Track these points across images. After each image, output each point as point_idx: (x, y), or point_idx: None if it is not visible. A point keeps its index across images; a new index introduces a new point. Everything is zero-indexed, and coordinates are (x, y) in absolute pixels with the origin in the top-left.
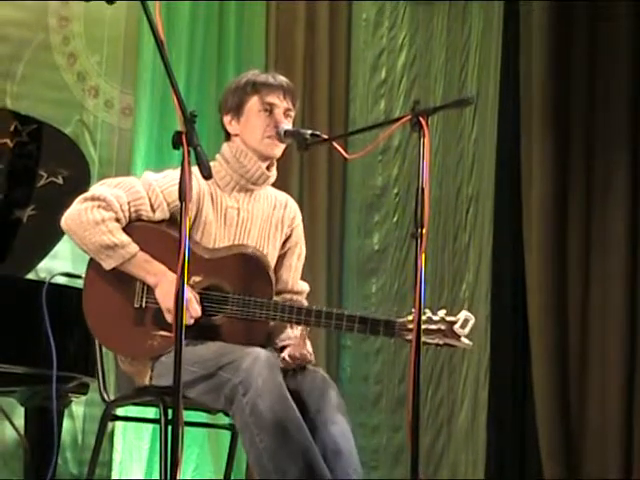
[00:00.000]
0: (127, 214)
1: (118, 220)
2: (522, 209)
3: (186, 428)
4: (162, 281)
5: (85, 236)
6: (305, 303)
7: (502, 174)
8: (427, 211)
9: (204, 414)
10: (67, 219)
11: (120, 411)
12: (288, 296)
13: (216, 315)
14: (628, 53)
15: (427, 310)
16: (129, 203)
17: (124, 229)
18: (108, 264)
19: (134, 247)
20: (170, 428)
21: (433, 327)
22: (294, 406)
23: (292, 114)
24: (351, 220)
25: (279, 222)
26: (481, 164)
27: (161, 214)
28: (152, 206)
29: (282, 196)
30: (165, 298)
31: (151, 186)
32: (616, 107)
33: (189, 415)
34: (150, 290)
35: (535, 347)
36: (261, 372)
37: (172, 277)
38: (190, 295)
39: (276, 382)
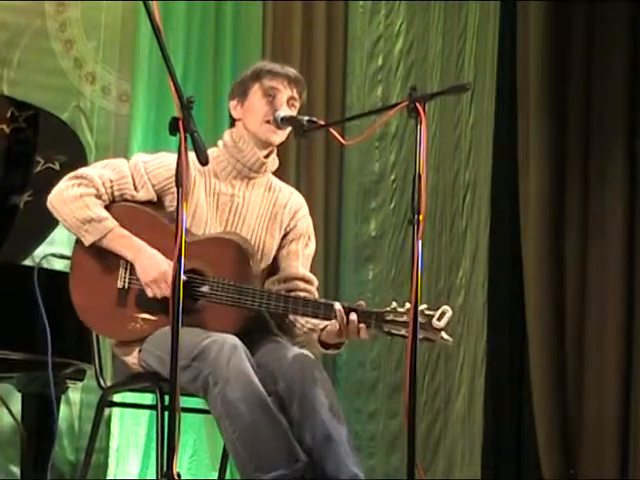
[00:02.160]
0: (109, 191)
1: (99, 197)
2: (519, 196)
3: (183, 414)
4: (140, 256)
5: (66, 212)
6: (310, 294)
7: (499, 160)
8: (424, 198)
9: (201, 400)
10: (51, 197)
11: (117, 397)
12: (302, 284)
13: (196, 299)
14: (625, 36)
15: (394, 302)
16: (112, 181)
17: (107, 208)
18: (87, 240)
19: (112, 222)
20: (167, 414)
21: (400, 319)
22: (263, 392)
23: (297, 104)
24: (348, 206)
25: (279, 214)
26: (478, 150)
27: (146, 194)
28: (135, 185)
29: (287, 188)
30: (144, 273)
31: (137, 166)
32: (613, 94)
33: (186, 401)
34: (133, 270)
35: (532, 333)
36: (228, 360)
37: (150, 252)
38: (166, 268)
39: (243, 369)
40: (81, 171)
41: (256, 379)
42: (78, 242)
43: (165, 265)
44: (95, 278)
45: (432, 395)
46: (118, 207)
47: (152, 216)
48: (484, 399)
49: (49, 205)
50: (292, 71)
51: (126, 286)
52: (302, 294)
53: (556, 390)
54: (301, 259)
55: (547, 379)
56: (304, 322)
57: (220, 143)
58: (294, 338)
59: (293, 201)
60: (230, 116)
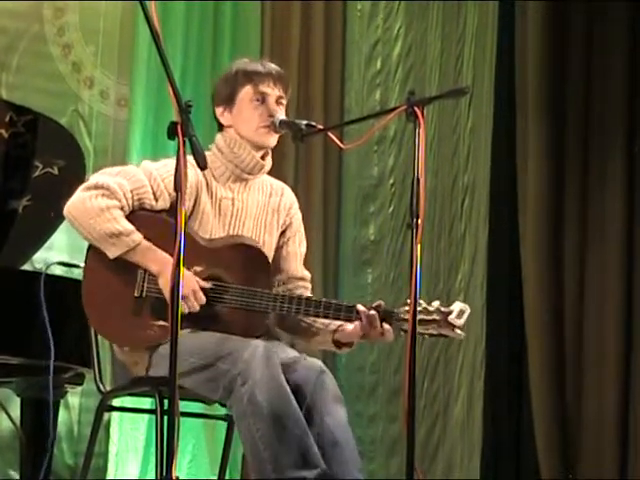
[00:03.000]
0: (130, 202)
1: (122, 208)
2: (518, 199)
3: (182, 419)
4: (166, 269)
5: (90, 224)
6: (308, 291)
7: (498, 164)
8: (423, 201)
9: (200, 405)
10: (70, 207)
11: (116, 402)
12: (301, 283)
13: (216, 305)
14: (624, 38)
15: (422, 301)
16: (132, 191)
17: (127, 217)
18: (112, 252)
19: (138, 235)
20: (166, 419)
21: (429, 318)
22: (292, 397)
23: (284, 101)
24: (347, 210)
25: (275, 211)
26: (477, 154)
27: (163, 203)
28: (155, 195)
29: (278, 185)
30: (169, 286)
31: (152, 175)
32: (611, 96)
33: (185, 406)
34: (151, 279)
35: (531, 337)
36: (260, 363)
37: None
38: (195, 283)
39: (274, 373)
40: (101, 180)
41: (287, 386)
42: (92, 252)
43: (193, 281)
44: (110, 287)
45: (431, 399)
46: (138, 216)
47: (168, 224)
48: (483, 402)
49: (67, 215)
50: (275, 68)
51: (144, 295)
52: (300, 292)
53: (555, 393)
54: (299, 259)
55: (546, 382)
56: (322, 323)
57: (213, 147)
58: (311, 338)
59: (287, 197)
60: (217, 121)
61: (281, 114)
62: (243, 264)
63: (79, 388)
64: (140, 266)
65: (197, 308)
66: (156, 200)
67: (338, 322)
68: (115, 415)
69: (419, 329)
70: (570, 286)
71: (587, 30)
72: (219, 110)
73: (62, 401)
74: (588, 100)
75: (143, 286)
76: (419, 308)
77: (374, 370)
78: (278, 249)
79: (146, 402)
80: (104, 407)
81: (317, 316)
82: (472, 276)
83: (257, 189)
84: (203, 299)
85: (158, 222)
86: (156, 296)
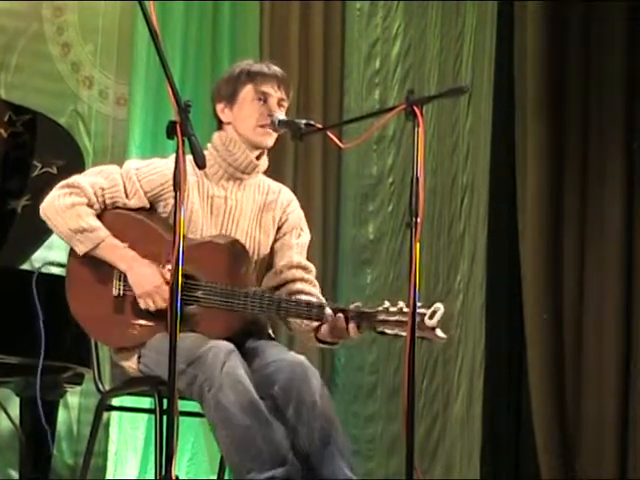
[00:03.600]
0: (101, 199)
1: (91, 206)
2: (517, 198)
3: (181, 417)
4: (133, 267)
5: (58, 221)
6: (309, 282)
7: (497, 163)
8: (422, 200)
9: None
10: (43, 205)
11: (115, 401)
12: (298, 272)
13: (190, 304)
14: (622, 34)
15: (386, 302)
16: (104, 189)
17: (100, 215)
18: (80, 249)
19: (104, 232)
20: (165, 418)
21: (392, 318)
22: (256, 397)
23: (285, 104)
24: (346, 209)
25: (272, 210)
26: (476, 153)
27: (138, 201)
28: (127, 193)
29: (276, 185)
30: (137, 284)
31: (128, 173)
32: (610, 95)
33: (184, 405)
34: (127, 279)
35: (530, 336)
36: (222, 366)
37: (142, 263)
38: (160, 279)
39: (237, 374)
40: (73, 179)
41: (249, 384)
42: (72, 251)
43: (158, 278)
44: (91, 286)
45: (431, 398)
46: (110, 214)
47: (144, 223)
48: (482, 402)
49: (42, 214)
50: (279, 71)
51: (121, 294)
52: (300, 284)
53: (555, 392)
54: (295, 248)
55: (545, 381)
56: (299, 321)
57: (210, 146)
58: (295, 332)
59: (283, 197)
60: (217, 118)
61: (279, 114)
62: (216, 262)
63: (78, 388)
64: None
65: (161, 305)
66: (128, 199)
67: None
68: (114, 415)
69: (395, 330)
70: (569, 285)
71: (586, 29)
72: (220, 107)
73: (62, 401)
74: (587, 99)
75: (120, 285)
76: (380, 308)
77: (373, 370)
78: (273, 244)
79: (145, 401)
80: (103, 407)
81: (288, 316)
82: (471, 275)
83: (253, 189)
84: (166, 296)
85: (132, 221)
86: (134, 295)
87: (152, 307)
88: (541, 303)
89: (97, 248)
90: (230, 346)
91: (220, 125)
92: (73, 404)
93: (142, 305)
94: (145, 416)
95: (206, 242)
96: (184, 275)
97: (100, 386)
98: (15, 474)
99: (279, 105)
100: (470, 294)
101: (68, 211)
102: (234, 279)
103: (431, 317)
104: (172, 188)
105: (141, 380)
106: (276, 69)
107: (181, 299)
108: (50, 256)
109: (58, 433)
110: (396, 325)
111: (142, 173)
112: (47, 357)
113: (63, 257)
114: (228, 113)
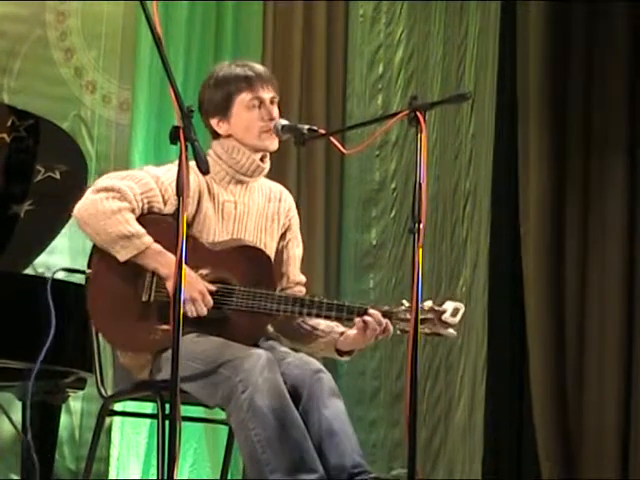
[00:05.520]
0: (140, 205)
1: (132, 210)
2: (519, 204)
3: (184, 423)
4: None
5: (100, 226)
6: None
7: (499, 169)
8: (424, 206)
9: (202, 409)
10: (80, 209)
11: (118, 406)
12: (296, 288)
13: (222, 308)
14: (626, 42)
15: (405, 301)
16: (141, 194)
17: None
18: (122, 255)
19: (149, 238)
20: (168, 423)
21: (422, 317)
22: (292, 404)
23: (277, 100)
24: (349, 215)
25: (275, 214)
26: (478, 159)
27: (171, 207)
28: (164, 199)
29: (276, 187)
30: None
31: (159, 179)
32: (613, 100)
33: (187, 410)
34: (159, 284)
35: (532, 342)
36: (262, 372)
37: (187, 271)
38: (202, 285)
39: (276, 382)
40: (111, 183)
41: (287, 395)
42: (97, 256)
43: (201, 284)
44: (116, 292)
45: (433, 404)
46: (147, 220)
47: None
48: (485, 407)
49: (77, 217)
50: (261, 69)
51: (151, 299)
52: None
53: (557, 398)
54: (298, 264)
55: (548, 387)
56: (325, 327)
57: (211, 153)
58: (311, 343)
59: (285, 198)
60: (212, 131)
61: (282, 119)
62: (247, 266)
63: (81, 392)
64: (148, 270)
65: (205, 312)
66: (165, 204)
67: (341, 328)
68: (117, 420)
69: (408, 327)
70: (572, 291)
71: (589, 33)
72: (214, 121)
73: (64, 406)
74: (590, 104)
75: (151, 290)
76: (404, 308)
77: (375, 375)
78: (278, 253)
79: (148, 407)
80: (106, 411)
81: (319, 316)
82: (474, 281)
83: (256, 192)
84: (211, 302)
85: (166, 226)
86: (163, 300)
87: (194, 313)
88: (543, 309)
89: (142, 254)
90: (271, 356)
91: (216, 136)
92: (75, 409)
93: (188, 312)
94: (147, 421)
95: (238, 247)
96: (218, 280)
97: (102, 391)
98: (17, 479)
99: (273, 103)
100: (472, 300)
101: (114, 216)
102: (265, 283)
103: (454, 314)
104: (193, 194)
105: (144, 385)
106: (259, 68)
107: (215, 304)
108: (52, 261)
109: (60, 438)
110: (424, 323)
111: (169, 178)
112: (50, 362)
113: (65, 262)
114: (225, 126)
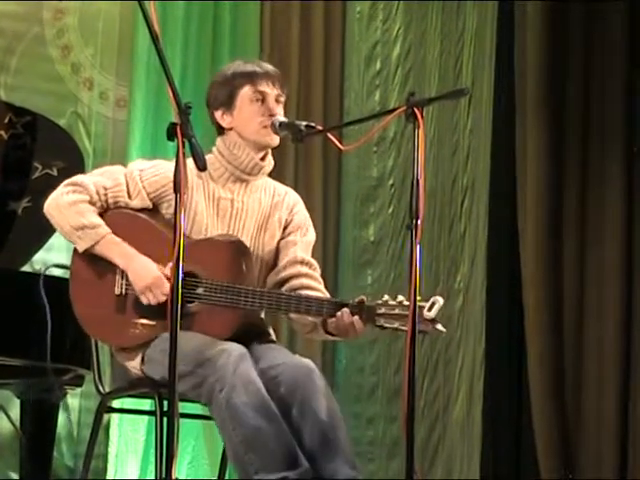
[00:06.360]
0: (103, 198)
1: (93, 204)
2: (517, 200)
3: (182, 420)
4: (132, 263)
5: (60, 218)
6: (313, 278)
7: (497, 165)
8: (422, 202)
9: (200, 406)
10: (47, 204)
11: (116, 403)
12: (303, 269)
13: (192, 302)
14: (623, 40)
15: (386, 295)
16: (106, 189)
17: (102, 215)
18: (80, 246)
19: (104, 229)
20: (166, 420)
21: (392, 312)
22: (269, 400)
23: (283, 99)
24: (347, 211)
25: (278, 211)
26: (476, 155)
27: (140, 202)
28: (129, 193)
29: (282, 188)
30: (136, 279)
31: (132, 174)
32: (611, 96)
33: (184, 407)
34: (128, 277)
35: (530, 338)
36: (235, 368)
37: (142, 259)
38: (157, 271)
39: (249, 377)
40: (76, 178)
41: (262, 386)
42: (75, 251)
43: (157, 271)
44: (93, 286)
45: (431, 399)
46: (113, 214)
47: (147, 223)
48: (483, 403)
49: (45, 211)
50: (271, 68)
51: (123, 292)
52: (305, 280)
53: (555, 394)
54: (299, 245)
55: (546, 383)
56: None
57: (214, 150)
58: (299, 327)
59: (289, 199)
60: (217, 125)
61: (280, 114)
62: (219, 259)
63: (79, 389)
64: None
65: (162, 299)
66: (130, 199)
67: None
68: (115, 417)
69: (395, 324)
70: (570, 287)
71: (586, 30)
72: (218, 113)
73: (61, 403)
74: (587, 100)
75: (122, 284)
76: (379, 301)
77: (374, 371)
78: (278, 244)
79: (146, 403)
80: (104, 408)
81: (288, 311)
82: (472, 276)
83: (259, 191)
84: (167, 288)
85: (135, 220)
86: (135, 293)
87: (153, 301)
88: (541, 304)
89: (97, 245)
90: (242, 349)
91: (221, 131)
92: (73, 406)
93: (143, 300)
94: (145, 418)
95: (205, 240)
96: (185, 273)
97: (100, 388)
98: (15, 476)
99: (277, 101)
100: (470, 295)
101: (70, 208)
102: (234, 276)
103: (430, 309)
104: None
105: (142, 382)
106: (268, 66)
107: (182, 297)
108: (50, 258)
109: (58, 435)
110: (396, 319)
111: (146, 174)
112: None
113: (63, 259)
114: (228, 118)
